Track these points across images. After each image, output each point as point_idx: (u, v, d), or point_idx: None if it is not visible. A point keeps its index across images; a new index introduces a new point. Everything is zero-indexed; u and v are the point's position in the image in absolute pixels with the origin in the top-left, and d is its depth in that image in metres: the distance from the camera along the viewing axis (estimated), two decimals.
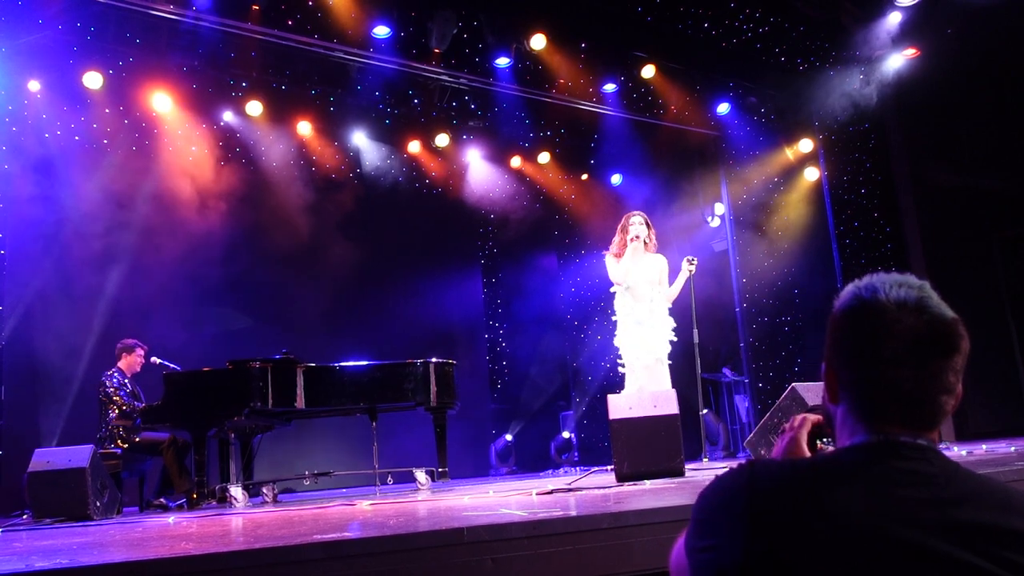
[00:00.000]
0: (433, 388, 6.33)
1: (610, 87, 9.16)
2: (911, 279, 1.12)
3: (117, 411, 6.37)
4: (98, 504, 5.02)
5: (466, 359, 9.52)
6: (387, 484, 6.71)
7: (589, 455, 10.18)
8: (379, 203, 9.97)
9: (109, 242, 8.14)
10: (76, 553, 2.65)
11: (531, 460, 10.41)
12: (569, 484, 4.55)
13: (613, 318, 6.06)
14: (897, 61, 8.56)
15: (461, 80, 8.78)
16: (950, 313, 1.10)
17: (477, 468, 10.04)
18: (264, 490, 6.37)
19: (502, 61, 8.47)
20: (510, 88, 8.81)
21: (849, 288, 1.15)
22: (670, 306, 6.05)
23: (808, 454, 1.35)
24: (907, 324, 1.08)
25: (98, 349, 7.75)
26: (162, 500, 6.40)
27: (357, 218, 9.57)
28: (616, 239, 6.08)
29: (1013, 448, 5.06)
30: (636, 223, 5.99)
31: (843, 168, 9.17)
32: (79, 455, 5.06)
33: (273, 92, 8.67)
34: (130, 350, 6.79)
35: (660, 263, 6.07)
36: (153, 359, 6.86)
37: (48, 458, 5.11)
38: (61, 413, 7.73)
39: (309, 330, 9.06)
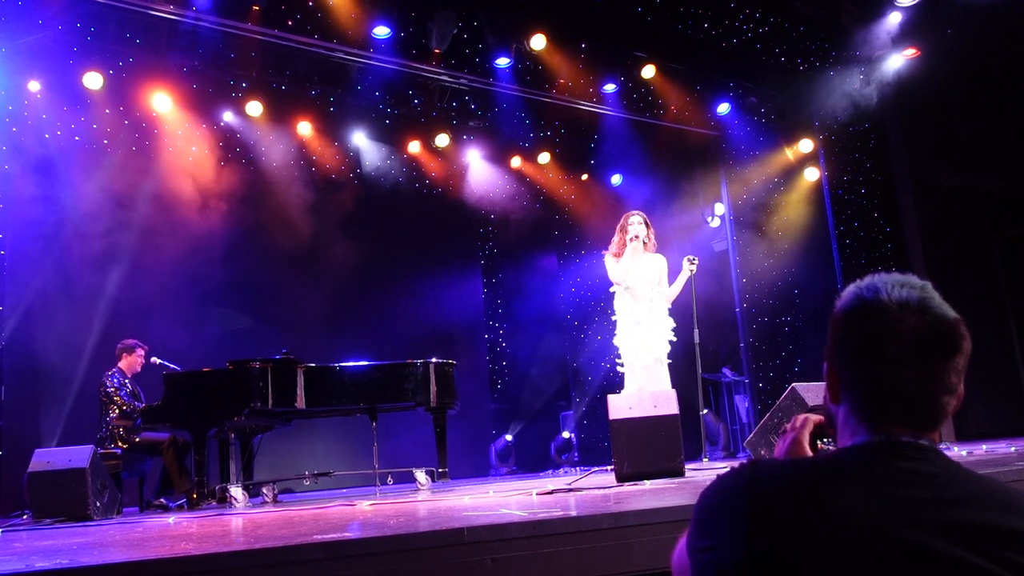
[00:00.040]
0: (433, 388, 6.33)
1: (610, 87, 9.16)
2: (913, 279, 1.12)
3: (117, 411, 6.37)
4: (98, 504, 5.02)
5: (466, 359, 9.52)
6: (387, 484, 6.71)
7: (589, 455, 10.18)
8: (379, 203, 9.97)
9: (109, 242, 8.14)
10: (76, 553, 2.65)
11: (531, 460, 10.41)
12: (569, 484, 4.55)
13: (613, 318, 6.06)
14: (897, 61, 8.56)
15: (461, 80, 8.78)
16: (952, 313, 1.10)
17: (477, 468, 10.03)
18: (264, 490, 6.37)
19: (502, 61, 8.47)
20: (510, 88, 8.81)
21: (851, 288, 1.15)
22: (670, 306, 6.05)
23: (810, 454, 1.35)
24: (909, 324, 1.08)
25: (98, 349, 7.75)
26: (162, 500, 6.41)
27: (357, 218, 9.57)
28: (615, 239, 6.08)
29: (1013, 448, 5.06)
30: (635, 223, 5.99)
31: (843, 168, 9.17)
32: (79, 455, 5.06)
33: (273, 92, 8.67)
34: (130, 350, 6.80)
35: (659, 263, 6.06)
36: (153, 359, 6.86)
37: (48, 458, 5.11)
38: (61, 413, 7.73)
39: (309, 330, 9.07)
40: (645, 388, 5.65)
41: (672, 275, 6.10)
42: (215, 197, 8.75)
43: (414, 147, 10.09)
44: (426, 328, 9.68)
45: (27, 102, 7.80)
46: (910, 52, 8.46)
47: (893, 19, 8.33)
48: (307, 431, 8.24)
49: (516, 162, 10.65)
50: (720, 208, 10.37)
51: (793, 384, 5.05)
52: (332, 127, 9.55)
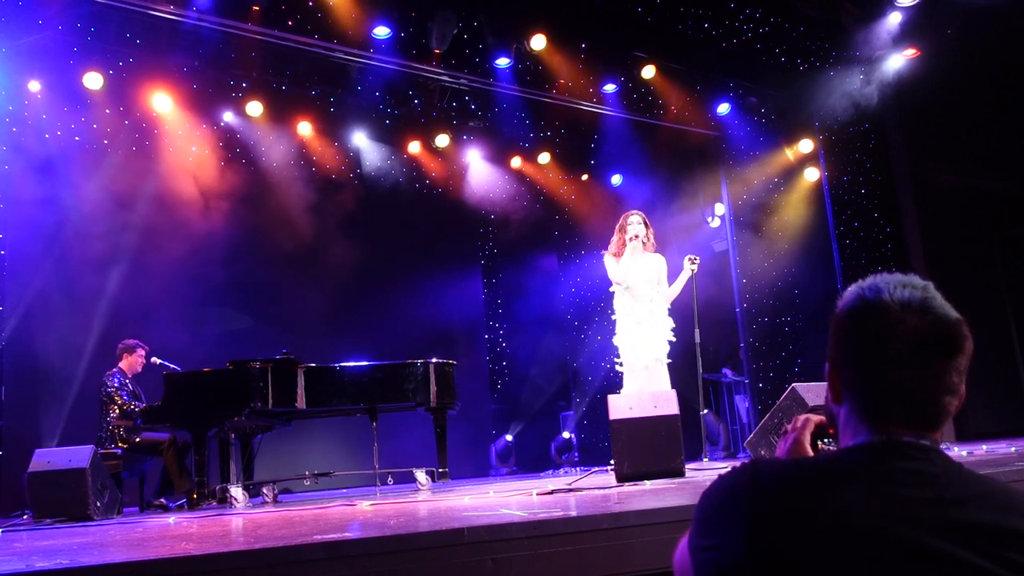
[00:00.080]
0: (433, 388, 6.33)
1: (610, 87, 9.16)
2: (915, 280, 1.12)
3: (118, 411, 6.37)
4: (98, 504, 5.02)
5: (466, 359, 9.52)
6: (387, 484, 6.71)
7: (589, 455, 10.18)
8: (379, 203, 9.97)
9: (110, 242, 8.14)
10: (76, 553, 2.65)
11: (531, 460, 10.41)
12: (569, 484, 4.55)
13: (613, 318, 6.06)
14: (897, 61, 8.56)
15: (461, 80, 8.78)
16: (954, 314, 1.10)
17: (477, 468, 10.04)
18: (264, 490, 6.37)
19: (502, 61, 8.46)
20: (510, 88, 8.81)
21: (852, 288, 1.15)
22: (669, 306, 6.05)
23: (811, 455, 1.35)
24: (911, 325, 1.08)
25: (99, 349, 7.75)
26: (162, 500, 6.41)
27: (357, 218, 9.57)
28: (615, 239, 6.08)
29: (1013, 448, 5.06)
30: (635, 222, 5.99)
31: (843, 168, 9.17)
32: (79, 455, 5.07)
33: (273, 92, 8.67)
34: (131, 350, 6.80)
35: (659, 263, 6.07)
36: (154, 359, 6.87)
37: (48, 458, 5.11)
38: (61, 413, 7.73)
39: (309, 330, 9.07)
40: (644, 388, 5.65)
41: (672, 275, 6.10)
42: (215, 197, 8.75)
43: (414, 147, 10.09)
44: (426, 328, 9.68)
45: (27, 102, 7.80)
46: (910, 52, 8.46)
47: (893, 19, 8.33)
48: (307, 431, 8.24)
49: (516, 162, 10.65)
50: (720, 208, 10.37)
51: (793, 384, 5.05)
52: (332, 127, 9.55)
